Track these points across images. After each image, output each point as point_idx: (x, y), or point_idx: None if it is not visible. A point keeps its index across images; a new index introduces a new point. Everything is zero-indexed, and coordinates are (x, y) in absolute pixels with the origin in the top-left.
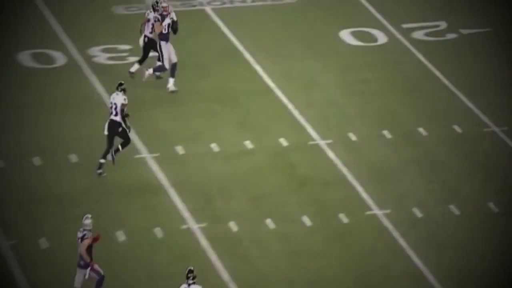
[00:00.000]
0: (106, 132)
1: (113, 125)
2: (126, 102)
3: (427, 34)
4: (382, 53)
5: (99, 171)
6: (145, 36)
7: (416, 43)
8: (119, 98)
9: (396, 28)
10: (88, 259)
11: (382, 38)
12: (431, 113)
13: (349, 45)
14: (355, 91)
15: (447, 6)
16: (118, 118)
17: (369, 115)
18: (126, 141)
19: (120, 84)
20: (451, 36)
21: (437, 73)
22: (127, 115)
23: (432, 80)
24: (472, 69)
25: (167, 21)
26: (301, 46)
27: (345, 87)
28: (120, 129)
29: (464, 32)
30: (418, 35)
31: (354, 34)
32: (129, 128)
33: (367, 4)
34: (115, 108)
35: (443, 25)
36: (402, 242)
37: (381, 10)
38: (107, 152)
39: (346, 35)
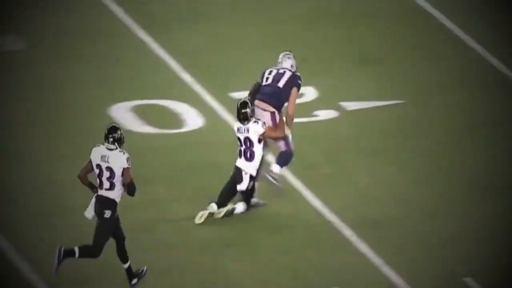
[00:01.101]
0: (90, 215)
1: (101, 203)
2: (131, 164)
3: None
4: (192, 145)
5: None
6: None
7: None
8: (117, 158)
9: (221, 99)
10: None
11: (193, 120)
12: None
13: (131, 132)
14: None
15: (316, 63)
16: (113, 194)
17: None
18: (120, 241)
19: (112, 130)
20: (324, 115)
21: (306, 192)
22: (133, 189)
23: (300, 206)
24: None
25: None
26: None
27: None
28: (108, 213)
29: (349, 106)
30: None
31: (139, 111)
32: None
33: (164, 55)
34: (110, 177)
35: (309, 93)
36: None
37: (191, 67)
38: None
39: (122, 112)
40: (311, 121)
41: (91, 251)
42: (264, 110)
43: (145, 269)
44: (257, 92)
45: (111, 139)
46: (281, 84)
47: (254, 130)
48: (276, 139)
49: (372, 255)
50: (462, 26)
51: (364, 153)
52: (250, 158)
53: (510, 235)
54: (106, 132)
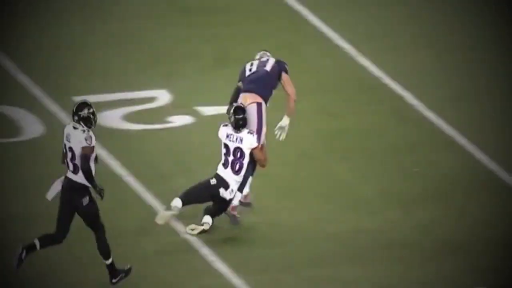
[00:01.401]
0: (49, 197)
1: (70, 189)
2: (93, 143)
3: (130, 118)
4: (32, 156)
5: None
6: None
7: (118, 136)
8: (76, 137)
9: (63, 103)
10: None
11: (32, 127)
12: None
13: None
14: None
15: (169, 63)
16: (80, 178)
17: None
18: (97, 230)
19: (79, 108)
20: (178, 121)
21: (158, 206)
22: (84, 167)
23: (152, 222)
24: None
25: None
26: None
27: None
28: (85, 200)
29: (205, 111)
30: (117, 117)
31: None
32: (101, 191)
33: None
34: (72, 158)
35: (162, 97)
36: None
37: (28, 67)
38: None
39: None
40: (164, 127)
41: (102, 236)
42: (250, 104)
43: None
44: (239, 95)
45: (76, 118)
46: (268, 67)
47: (248, 142)
48: (257, 160)
49: (232, 275)
50: (328, 22)
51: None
52: (238, 171)
53: (381, 254)
54: (74, 109)
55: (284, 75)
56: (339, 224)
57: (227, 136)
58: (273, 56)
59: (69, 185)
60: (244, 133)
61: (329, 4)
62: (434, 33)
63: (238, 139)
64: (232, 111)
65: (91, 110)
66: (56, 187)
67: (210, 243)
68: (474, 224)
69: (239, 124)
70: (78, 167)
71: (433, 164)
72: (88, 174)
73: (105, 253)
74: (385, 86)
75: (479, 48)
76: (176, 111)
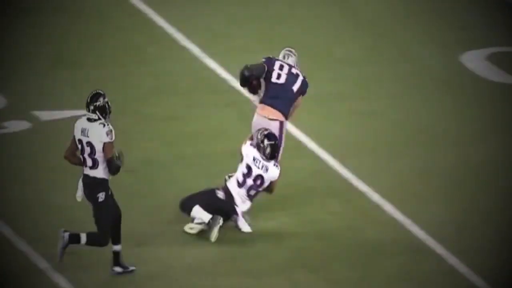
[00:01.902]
0: (79, 198)
1: (90, 185)
2: (113, 138)
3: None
4: None
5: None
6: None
7: None
8: (96, 131)
9: None
10: None
11: None
12: None
13: None
14: None
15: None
16: (99, 173)
17: None
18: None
19: (94, 98)
20: (14, 126)
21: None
22: (117, 164)
23: None
24: None
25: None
26: None
27: None
28: (101, 196)
29: (43, 115)
30: None
31: None
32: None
33: None
34: (91, 153)
35: None
36: None
37: None
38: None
39: None
40: None
41: (97, 240)
42: (273, 119)
43: (133, 269)
44: (263, 75)
45: (92, 108)
46: (295, 88)
47: (273, 175)
48: (270, 189)
49: None
50: (174, 22)
51: (60, 170)
52: (252, 197)
53: (228, 266)
54: (88, 100)
55: (300, 98)
56: (183, 237)
57: (254, 160)
58: (296, 60)
59: (88, 181)
60: (271, 164)
61: (175, 4)
62: (284, 33)
63: (264, 167)
64: (264, 136)
65: (106, 99)
66: (81, 187)
67: (62, 269)
68: (325, 232)
69: (273, 154)
70: (98, 162)
71: (282, 171)
72: (117, 171)
73: (93, 242)
74: (232, 89)
75: (335, 51)
76: (11, 115)
